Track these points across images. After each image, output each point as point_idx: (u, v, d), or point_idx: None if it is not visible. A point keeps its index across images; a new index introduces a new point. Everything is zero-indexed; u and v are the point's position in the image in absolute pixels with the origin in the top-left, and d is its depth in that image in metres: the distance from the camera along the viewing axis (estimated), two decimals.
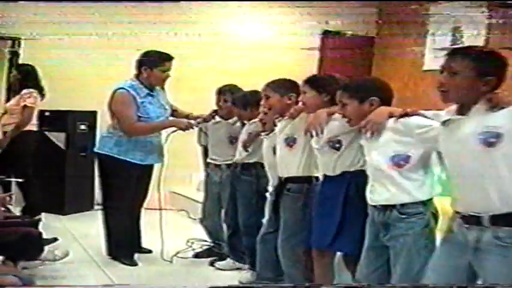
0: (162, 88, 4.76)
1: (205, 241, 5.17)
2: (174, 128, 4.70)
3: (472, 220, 2.44)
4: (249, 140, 4.33)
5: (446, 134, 2.55)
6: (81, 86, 6.75)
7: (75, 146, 6.76)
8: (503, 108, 2.35)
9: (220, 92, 4.77)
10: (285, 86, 3.82)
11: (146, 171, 4.76)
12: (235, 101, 4.54)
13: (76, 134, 6.79)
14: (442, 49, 7.08)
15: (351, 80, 3.35)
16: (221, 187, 4.79)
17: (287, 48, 8.46)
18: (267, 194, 4.12)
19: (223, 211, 4.78)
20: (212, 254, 4.99)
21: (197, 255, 5.08)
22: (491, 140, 2.33)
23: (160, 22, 7.37)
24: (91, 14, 7.07)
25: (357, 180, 3.18)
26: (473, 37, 7.71)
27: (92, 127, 6.80)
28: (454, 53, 2.56)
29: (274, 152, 3.82)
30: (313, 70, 8.67)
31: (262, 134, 4.05)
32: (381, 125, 2.89)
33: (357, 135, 3.18)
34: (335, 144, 3.28)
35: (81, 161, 6.75)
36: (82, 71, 6.90)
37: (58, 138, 6.70)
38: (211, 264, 4.81)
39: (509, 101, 2.37)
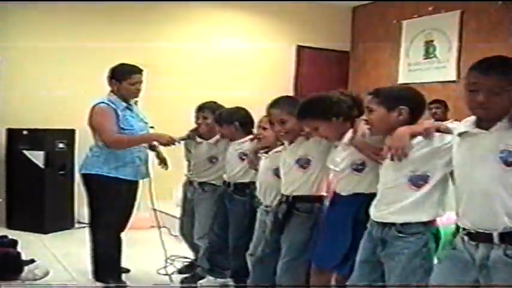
0: (136, 103, 4.73)
1: (186, 258, 5.19)
2: (153, 143, 4.70)
3: (480, 237, 2.39)
4: (255, 162, 4.11)
5: (462, 146, 2.49)
6: (59, 104, 6.76)
7: (54, 165, 6.72)
8: None
9: (200, 109, 4.74)
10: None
11: (134, 187, 4.71)
12: (218, 118, 4.48)
13: (55, 152, 6.75)
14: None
15: (383, 87, 3.17)
16: (194, 204, 4.83)
17: (262, 63, 8.53)
18: (259, 214, 3.98)
19: (196, 228, 4.78)
20: (193, 268, 4.97)
21: (180, 272, 5.07)
22: (511, 159, 2.30)
23: (137, 38, 7.45)
24: (70, 27, 7.12)
25: (369, 202, 3.00)
26: (447, 50, 7.86)
27: (71, 145, 6.78)
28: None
29: (275, 174, 3.73)
30: (290, 84, 8.79)
31: (261, 151, 3.96)
32: (406, 149, 2.73)
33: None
34: (358, 167, 3.17)
35: (60, 180, 6.74)
36: (60, 89, 6.89)
37: (36, 157, 6.67)
38: (182, 282, 4.78)
39: None
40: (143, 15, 7.60)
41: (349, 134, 3.21)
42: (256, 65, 8.49)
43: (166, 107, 6.98)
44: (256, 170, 4.09)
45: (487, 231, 2.36)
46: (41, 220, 6.61)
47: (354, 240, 3.09)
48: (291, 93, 8.68)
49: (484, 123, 2.40)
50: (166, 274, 4.94)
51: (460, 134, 2.49)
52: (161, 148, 4.87)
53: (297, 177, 3.51)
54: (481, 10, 7.50)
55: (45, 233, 6.50)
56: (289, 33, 8.84)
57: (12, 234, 5.39)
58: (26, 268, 4.58)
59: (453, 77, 7.70)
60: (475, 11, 7.58)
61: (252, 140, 4.22)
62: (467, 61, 7.52)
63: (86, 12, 7.19)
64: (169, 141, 4.46)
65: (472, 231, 2.41)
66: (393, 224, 2.79)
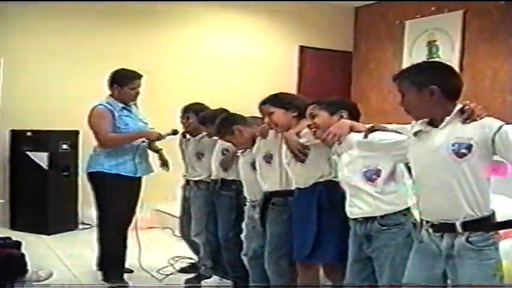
0: (135, 104, 4.86)
1: (190, 258, 5.21)
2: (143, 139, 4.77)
3: (443, 227, 2.51)
4: (227, 161, 4.41)
5: (417, 144, 2.61)
6: (62, 105, 6.78)
7: (57, 166, 6.74)
8: (475, 120, 2.44)
9: (184, 111, 4.91)
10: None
11: (136, 184, 4.80)
12: (202, 119, 4.63)
13: (58, 153, 6.77)
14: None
15: (324, 98, 3.40)
16: (190, 202, 4.92)
17: (265, 64, 8.53)
18: (245, 209, 4.13)
19: (192, 226, 4.85)
20: (197, 268, 5.00)
21: (182, 271, 5.13)
22: (462, 150, 2.42)
23: (137, 39, 7.47)
24: (71, 31, 7.14)
25: (328, 190, 3.32)
26: (449, 50, 7.86)
27: (74, 147, 6.80)
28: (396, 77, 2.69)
29: (253, 168, 3.90)
30: (294, 85, 8.78)
31: (238, 151, 4.13)
32: (341, 135, 3.05)
33: (322, 148, 3.31)
34: (299, 159, 3.43)
35: (64, 181, 6.75)
36: (63, 91, 6.93)
37: (40, 158, 6.70)
38: (186, 282, 4.82)
39: (480, 114, 2.46)
40: (145, 16, 7.62)
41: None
42: (258, 66, 8.49)
43: (167, 107, 6.97)
44: (226, 170, 4.40)
45: (449, 222, 2.47)
46: (45, 221, 6.62)
47: (321, 226, 3.32)
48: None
49: (436, 122, 2.54)
50: (168, 274, 4.99)
51: (415, 134, 2.61)
52: (162, 150, 4.97)
53: (266, 172, 3.74)
54: (483, 10, 7.49)
55: (49, 234, 6.51)
56: (292, 33, 8.84)
57: (15, 235, 5.39)
58: (30, 269, 4.59)
59: None
60: (477, 11, 7.57)
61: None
62: (470, 61, 7.53)
63: (88, 13, 7.21)
64: (158, 137, 4.64)
65: (436, 222, 2.53)
66: (374, 218, 2.95)
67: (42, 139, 6.74)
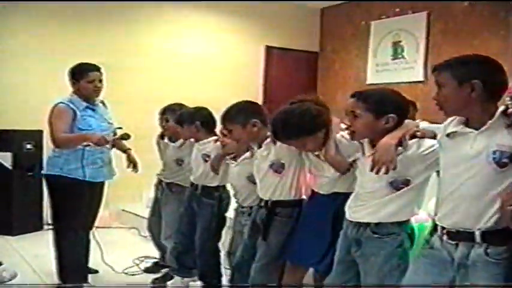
0: (103, 103, 4.71)
1: (156, 258, 5.20)
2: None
3: (460, 236, 2.37)
4: (217, 164, 4.13)
5: (452, 147, 2.43)
6: (26, 105, 6.70)
7: (21, 166, 6.66)
8: None
9: (162, 112, 4.81)
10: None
11: (97, 189, 4.67)
12: (179, 119, 4.47)
13: (22, 153, 6.69)
14: None
15: (369, 91, 2.97)
16: (161, 204, 4.89)
17: (231, 63, 8.54)
18: (233, 211, 4.00)
19: (162, 229, 4.82)
20: (160, 268, 5.03)
21: (147, 270, 5.11)
22: (504, 160, 2.25)
23: (104, 38, 7.42)
24: (35, 29, 7.07)
25: (346, 200, 2.98)
26: (414, 51, 7.96)
27: (39, 146, 6.71)
28: (436, 68, 2.48)
29: (250, 181, 3.70)
30: (259, 85, 8.82)
31: (230, 160, 3.92)
32: (393, 162, 2.62)
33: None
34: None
35: (28, 181, 6.67)
36: (27, 90, 6.85)
37: (4, 158, 6.61)
38: (153, 282, 4.80)
39: None
40: (113, 16, 7.57)
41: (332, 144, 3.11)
42: (225, 66, 8.50)
43: (133, 107, 6.96)
44: (217, 173, 4.12)
45: (468, 230, 2.34)
46: (9, 222, 6.54)
47: (333, 238, 3.08)
48: (260, 93, 8.73)
49: (474, 123, 2.35)
50: (132, 274, 4.98)
51: (448, 135, 2.43)
52: (131, 150, 4.90)
53: (273, 182, 3.42)
54: (447, 11, 7.61)
55: (13, 234, 6.44)
56: (258, 33, 8.87)
57: None
58: None
59: (421, 78, 7.81)
60: (441, 13, 7.70)
61: (215, 141, 4.20)
62: (435, 62, 7.58)
63: (53, 11, 7.15)
64: (100, 141, 4.31)
65: (453, 230, 2.39)
66: (368, 225, 2.77)
67: (5, 139, 6.65)
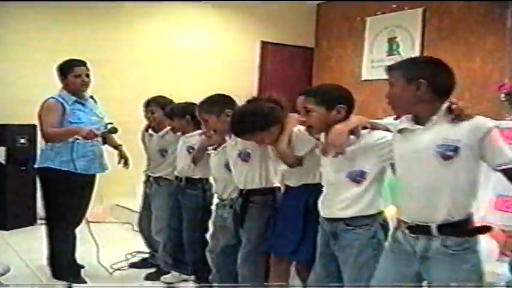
0: (92, 98, 4.78)
1: (149, 253, 5.17)
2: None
3: (419, 229, 2.46)
4: (199, 157, 4.30)
5: (402, 142, 2.55)
6: (20, 100, 6.67)
7: (15, 161, 6.65)
8: (464, 120, 2.37)
9: (147, 104, 4.84)
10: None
11: (89, 181, 4.73)
12: (170, 112, 4.56)
13: (16, 148, 6.68)
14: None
15: (315, 87, 3.23)
16: (151, 199, 4.90)
17: (227, 58, 8.53)
18: (214, 207, 4.09)
19: (153, 223, 4.84)
20: (147, 264, 5.04)
21: (133, 265, 5.12)
22: (448, 153, 2.35)
23: (99, 33, 7.40)
24: (29, 23, 7.04)
25: (318, 192, 3.09)
26: (409, 47, 7.96)
27: (32, 141, 6.69)
28: (389, 68, 2.59)
29: (228, 169, 3.79)
30: (255, 80, 8.81)
31: (210, 149, 4.03)
32: (344, 146, 2.79)
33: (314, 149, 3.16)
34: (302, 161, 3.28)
35: (22, 176, 6.64)
36: (20, 84, 6.82)
37: None
38: (147, 278, 4.81)
39: (470, 114, 2.39)
40: (108, 10, 7.54)
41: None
42: (220, 61, 8.49)
43: (125, 103, 6.93)
44: (196, 164, 4.30)
45: (425, 224, 2.44)
46: (3, 217, 6.54)
47: (306, 227, 3.25)
48: (255, 89, 8.72)
49: (421, 120, 2.47)
50: (119, 269, 4.98)
51: (399, 131, 2.56)
52: (122, 146, 4.99)
53: (243, 171, 3.61)
54: (443, 8, 7.61)
55: (7, 229, 6.44)
56: (254, 29, 8.86)
57: None
58: None
59: None
60: (437, 9, 7.69)
61: (201, 135, 4.28)
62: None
63: (47, 5, 7.12)
64: (89, 134, 4.41)
65: (412, 224, 2.49)
66: (341, 218, 2.88)
67: None
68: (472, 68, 7.20)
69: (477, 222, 3.78)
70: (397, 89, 2.50)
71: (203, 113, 3.83)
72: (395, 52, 8.18)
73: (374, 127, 2.82)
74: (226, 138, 3.73)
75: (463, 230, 2.42)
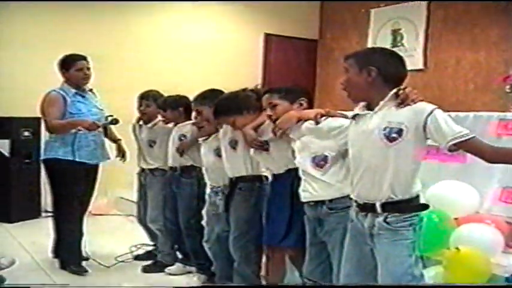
0: (92, 91, 4.89)
1: (153, 245, 5.17)
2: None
3: (367, 208, 2.64)
4: (185, 145, 4.46)
5: (354, 127, 2.72)
6: (23, 93, 6.66)
7: (19, 153, 6.66)
8: (409, 105, 2.51)
9: (143, 97, 4.91)
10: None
11: (92, 171, 4.84)
12: (163, 104, 4.67)
13: (20, 140, 6.69)
14: None
15: (279, 86, 3.49)
16: (146, 189, 4.96)
17: (230, 51, 8.51)
18: (207, 196, 4.19)
19: (148, 212, 4.90)
20: (152, 256, 5.04)
21: (138, 258, 5.13)
22: (393, 135, 2.52)
23: (103, 23, 7.39)
24: (32, 17, 7.04)
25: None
26: (414, 39, 7.93)
27: (36, 133, 6.69)
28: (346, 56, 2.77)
29: (217, 154, 3.97)
30: (259, 73, 8.79)
31: (200, 139, 4.19)
32: (288, 128, 3.17)
33: (281, 139, 3.35)
34: (264, 146, 3.48)
35: (26, 168, 6.67)
36: (24, 78, 6.82)
37: (2, 145, 6.59)
38: (144, 270, 4.82)
39: (415, 99, 2.52)
40: (108, 5, 7.48)
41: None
42: (223, 53, 8.47)
43: (129, 94, 6.91)
44: (182, 155, 4.47)
45: (371, 202, 2.62)
46: (7, 209, 6.55)
47: (293, 212, 3.35)
48: (259, 81, 8.67)
49: (372, 106, 2.63)
50: (122, 261, 4.98)
51: (353, 117, 2.74)
52: (121, 140, 5.15)
53: (232, 157, 3.79)
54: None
55: (11, 222, 6.45)
56: (257, 21, 8.83)
57: None
58: None
59: (420, 66, 7.77)
60: (441, 1, 7.65)
61: (193, 124, 4.40)
62: (434, 49, 7.61)
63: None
64: (91, 126, 4.54)
65: (361, 202, 2.68)
66: (323, 202, 3.06)
67: (3, 126, 6.65)
68: (476, 60, 7.18)
69: (482, 213, 3.81)
70: (351, 75, 2.69)
71: (197, 105, 4.13)
72: (399, 44, 8.14)
73: (332, 115, 3.07)
74: (219, 128, 3.90)
75: (404, 207, 2.58)
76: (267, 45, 8.99)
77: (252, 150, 3.57)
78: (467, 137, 2.42)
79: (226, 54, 8.49)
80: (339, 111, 3.13)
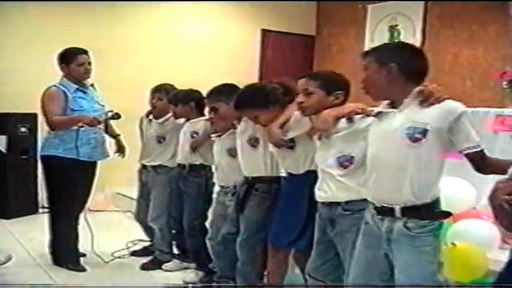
0: (93, 86, 4.81)
1: (150, 241, 5.16)
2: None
3: (384, 211, 2.54)
4: (199, 142, 4.34)
5: (377, 125, 2.63)
6: (20, 88, 6.65)
7: (16, 149, 6.64)
8: (433, 104, 2.42)
9: (156, 90, 4.82)
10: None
11: (91, 168, 4.78)
12: (174, 98, 4.55)
13: (17, 136, 6.67)
14: None
15: (319, 71, 3.28)
16: (149, 187, 4.89)
17: (227, 47, 8.49)
18: (215, 195, 4.12)
19: (150, 210, 4.83)
20: (148, 252, 5.03)
21: (134, 254, 5.12)
22: (417, 135, 2.42)
23: (101, 18, 7.38)
24: (28, 13, 7.02)
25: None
26: (411, 35, 7.93)
27: (33, 129, 6.69)
28: (364, 53, 2.66)
29: (230, 154, 3.83)
30: (255, 68, 8.78)
31: (213, 135, 4.04)
32: (326, 130, 2.90)
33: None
34: (288, 144, 3.29)
35: (23, 164, 6.65)
36: (21, 73, 6.80)
37: None
38: (143, 268, 4.80)
39: (439, 97, 2.42)
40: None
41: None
42: (220, 49, 8.45)
43: (128, 89, 6.92)
44: (194, 151, 4.33)
45: (390, 206, 2.51)
46: (4, 205, 6.54)
47: (309, 216, 3.21)
48: (256, 77, 8.69)
49: (396, 104, 2.54)
50: (120, 257, 5.00)
51: (376, 114, 2.64)
52: (120, 136, 5.08)
53: (250, 156, 3.61)
54: None
55: (8, 218, 6.44)
56: (254, 17, 8.81)
57: None
58: None
59: None
60: None
61: (206, 120, 4.26)
62: (431, 46, 7.60)
63: None
64: (93, 121, 4.49)
65: (378, 205, 2.57)
66: (338, 203, 2.92)
67: (0, 122, 6.63)
68: (474, 56, 7.18)
69: (479, 209, 3.80)
70: (370, 73, 2.57)
71: (213, 102, 3.90)
72: (396, 40, 8.12)
73: (368, 114, 2.82)
74: (236, 124, 3.74)
75: (425, 213, 2.48)
76: (264, 41, 8.99)
77: (270, 146, 3.39)
78: (478, 149, 2.42)
79: (224, 50, 8.47)
80: (367, 108, 2.89)
